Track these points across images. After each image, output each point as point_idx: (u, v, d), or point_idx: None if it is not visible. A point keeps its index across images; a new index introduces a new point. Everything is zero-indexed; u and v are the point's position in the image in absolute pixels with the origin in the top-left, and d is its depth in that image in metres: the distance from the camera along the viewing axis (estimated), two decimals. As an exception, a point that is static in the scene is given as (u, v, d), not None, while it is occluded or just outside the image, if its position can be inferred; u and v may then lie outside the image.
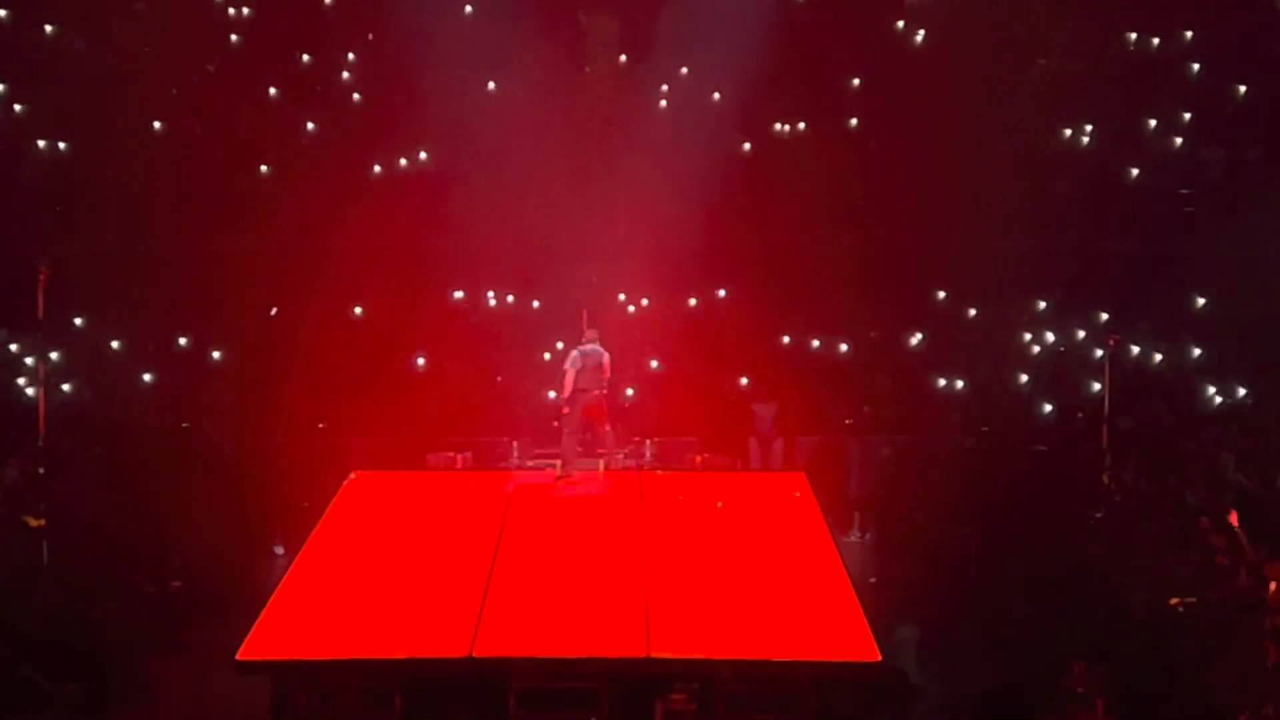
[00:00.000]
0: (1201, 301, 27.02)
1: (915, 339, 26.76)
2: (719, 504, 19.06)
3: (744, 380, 25.14)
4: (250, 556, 21.31)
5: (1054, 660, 16.45)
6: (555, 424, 21.02)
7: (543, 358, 25.64)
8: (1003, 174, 29.16)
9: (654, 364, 25.47)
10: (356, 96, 30.11)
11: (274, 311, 26.05)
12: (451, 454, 21.17)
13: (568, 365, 19.91)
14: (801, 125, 30.09)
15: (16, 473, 21.06)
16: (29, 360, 23.55)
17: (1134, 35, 30.76)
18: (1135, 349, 25.53)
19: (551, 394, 24.24)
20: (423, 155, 29.13)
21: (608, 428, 19.95)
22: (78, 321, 25.84)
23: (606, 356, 19.88)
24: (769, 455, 24.07)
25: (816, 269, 26.91)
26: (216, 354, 25.68)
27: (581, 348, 19.70)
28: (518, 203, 27.78)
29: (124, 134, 29.31)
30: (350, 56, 30.96)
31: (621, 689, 14.40)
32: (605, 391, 19.84)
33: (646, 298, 26.87)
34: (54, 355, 23.35)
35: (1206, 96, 30.12)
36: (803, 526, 17.98)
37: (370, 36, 30.75)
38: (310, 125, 29.84)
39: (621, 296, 26.67)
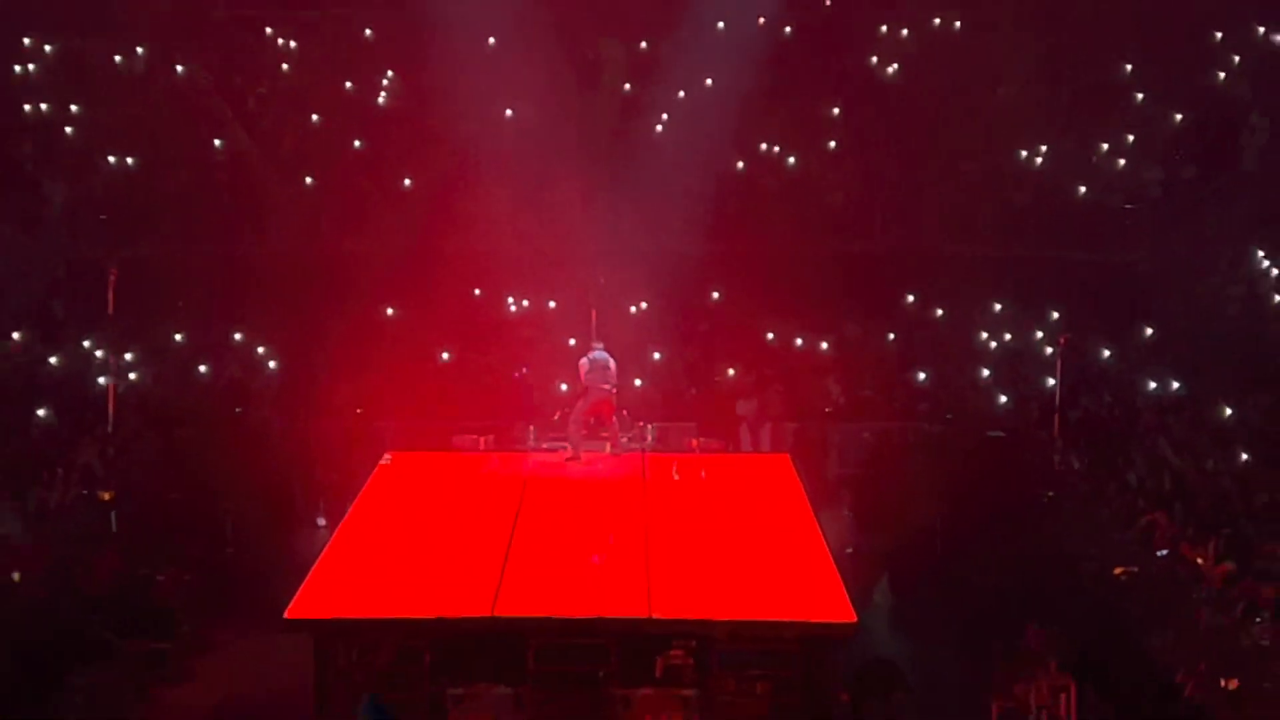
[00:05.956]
0: (1142, 304, 26.96)
1: (889, 336, 26.68)
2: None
3: (731, 371, 25.04)
4: (295, 527, 21.32)
5: (1012, 623, 16.47)
6: (556, 418, 20.98)
7: (556, 353, 25.56)
8: (967, 190, 29.29)
9: (655, 356, 25.39)
10: (391, 116, 30.17)
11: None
12: (475, 437, 21.08)
13: (581, 365, 19.88)
14: (787, 146, 30.12)
15: (91, 453, 21.03)
16: (101, 353, 23.48)
17: (1083, 67, 30.80)
18: (1083, 347, 25.40)
19: (564, 386, 24.20)
20: (450, 170, 29.09)
21: (614, 420, 19.91)
22: (144, 318, 25.71)
23: (612, 361, 19.84)
24: (758, 440, 24.03)
25: (801, 274, 26.90)
26: (262, 348, 25.59)
27: (591, 355, 19.67)
28: (534, 213, 27.81)
29: (185, 150, 29.42)
30: (386, 81, 31.00)
31: (627, 646, 14.37)
32: (614, 390, 19.77)
33: (649, 298, 26.81)
34: (123, 348, 23.29)
35: (1147, 122, 30.15)
36: (787, 503, 17.92)
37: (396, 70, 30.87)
38: (352, 142, 29.89)
39: (628, 300, 26.58)
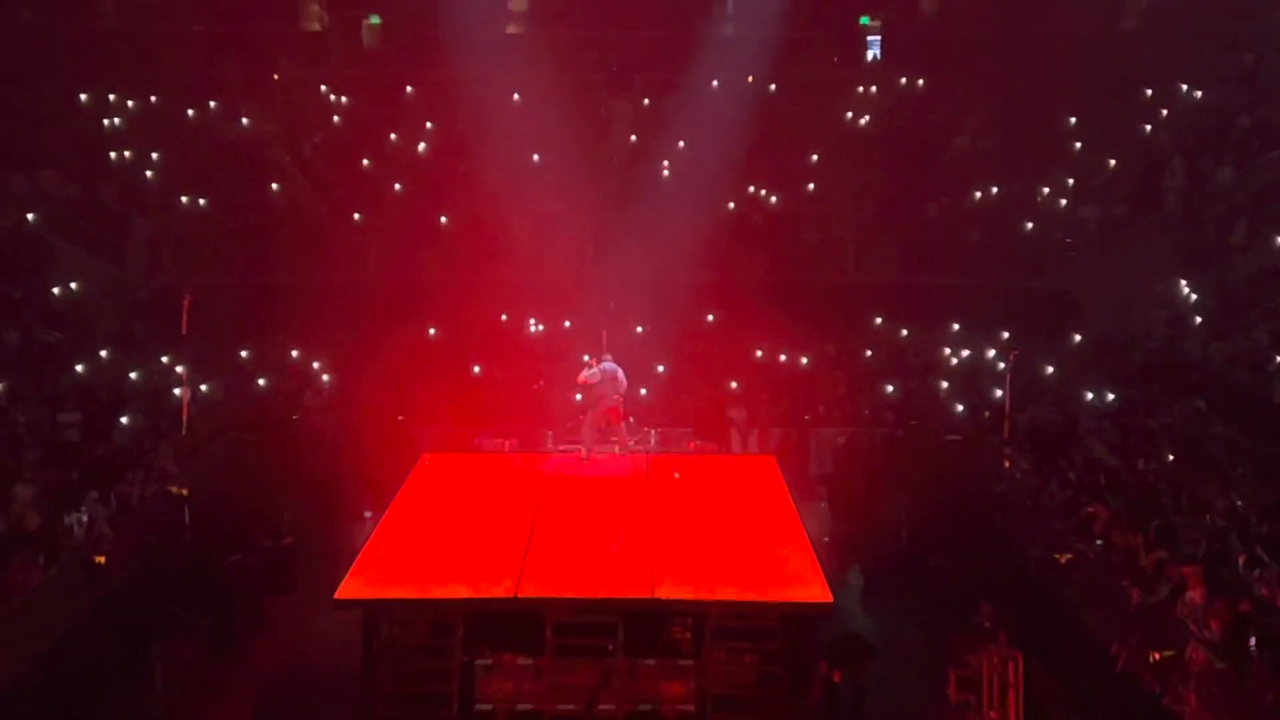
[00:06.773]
0: (1081, 325, 26.96)
1: (866, 353, 26.64)
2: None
3: (734, 384, 24.96)
4: (345, 519, 21.29)
5: (967, 602, 16.46)
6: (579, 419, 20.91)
7: (572, 368, 25.49)
8: (928, 226, 29.31)
9: (659, 370, 25.39)
10: (429, 162, 30.30)
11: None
12: (500, 440, 21.06)
13: (593, 375, 19.82)
14: (772, 188, 30.20)
15: (167, 455, 21.04)
16: (177, 368, 23.48)
17: (1029, 120, 30.90)
18: (1030, 361, 25.37)
19: (578, 396, 24.16)
20: (480, 209, 29.16)
21: (621, 425, 19.86)
22: (213, 338, 25.72)
23: (621, 371, 19.77)
24: (746, 443, 24.00)
25: (784, 299, 26.92)
26: (316, 364, 25.61)
27: (602, 365, 19.63)
28: (553, 247, 27.83)
29: (249, 191, 29.54)
30: (425, 131, 31.10)
31: (633, 623, 14.38)
32: (621, 399, 19.71)
33: (652, 320, 26.81)
34: (195, 364, 23.30)
35: (1085, 167, 30.22)
36: (772, 498, 17.91)
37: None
38: (395, 185, 29.97)
39: (634, 322, 26.60)
